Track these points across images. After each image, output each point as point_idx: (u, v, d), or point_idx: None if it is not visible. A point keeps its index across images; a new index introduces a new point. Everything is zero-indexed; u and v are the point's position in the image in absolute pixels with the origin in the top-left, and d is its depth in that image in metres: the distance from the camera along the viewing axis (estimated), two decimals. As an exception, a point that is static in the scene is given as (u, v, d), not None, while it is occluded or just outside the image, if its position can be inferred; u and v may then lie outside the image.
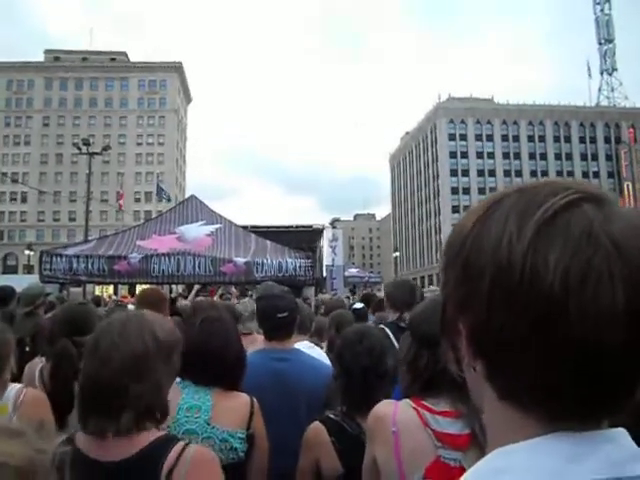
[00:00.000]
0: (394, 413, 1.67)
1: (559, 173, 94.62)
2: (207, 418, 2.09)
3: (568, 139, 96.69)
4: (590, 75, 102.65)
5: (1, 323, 2.51)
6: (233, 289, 9.10)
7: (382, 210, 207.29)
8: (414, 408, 1.67)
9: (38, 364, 3.10)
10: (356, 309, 6.74)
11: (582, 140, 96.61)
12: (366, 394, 2.10)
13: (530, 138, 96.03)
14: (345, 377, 2.15)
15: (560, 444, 0.51)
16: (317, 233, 18.09)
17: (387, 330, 3.59)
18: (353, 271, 33.48)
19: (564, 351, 0.49)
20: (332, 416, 2.14)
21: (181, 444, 1.50)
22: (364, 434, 1.91)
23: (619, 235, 0.49)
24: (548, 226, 0.50)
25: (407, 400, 1.71)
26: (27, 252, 43.87)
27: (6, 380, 2.15)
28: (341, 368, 2.18)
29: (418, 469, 1.59)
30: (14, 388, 2.27)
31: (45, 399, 2.43)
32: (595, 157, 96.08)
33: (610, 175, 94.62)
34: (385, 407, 1.73)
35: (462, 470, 1.48)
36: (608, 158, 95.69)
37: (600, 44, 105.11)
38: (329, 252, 17.86)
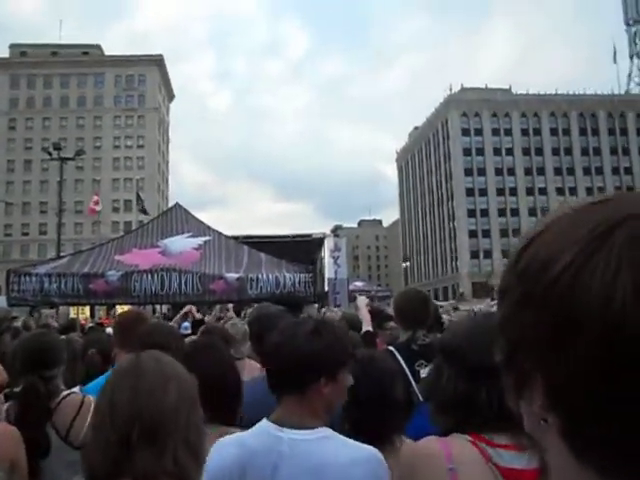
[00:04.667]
0: (447, 448, 1.60)
1: (586, 170, 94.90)
2: None
3: (596, 131, 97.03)
4: (615, 61, 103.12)
5: None
6: (230, 310, 9.07)
7: (389, 215, 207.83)
8: (471, 442, 1.60)
9: (2, 402, 3.06)
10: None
11: (611, 132, 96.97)
12: (375, 427, 2.08)
13: (553, 131, 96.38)
14: (351, 409, 2.12)
15: None
16: (317, 243, 18.06)
17: (397, 354, 3.56)
18: (358, 284, 33.45)
19: None
20: None
21: None
22: None
23: None
24: None
25: (458, 434, 1.64)
26: (-7, 270, 43.84)
27: None
28: (348, 398, 2.15)
29: None
30: None
31: (18, 436, 2.42)
32: (627, 151, 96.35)
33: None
34: (433, 443, 1.65)
35: None
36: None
37: (628, 25, 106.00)
38: (331, 263, 17.79)
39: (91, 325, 11.20)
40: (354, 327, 4.84)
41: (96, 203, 36.26)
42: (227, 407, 2.25)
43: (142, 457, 1.35)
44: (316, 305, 12.35)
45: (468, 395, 1.64)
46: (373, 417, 2.09)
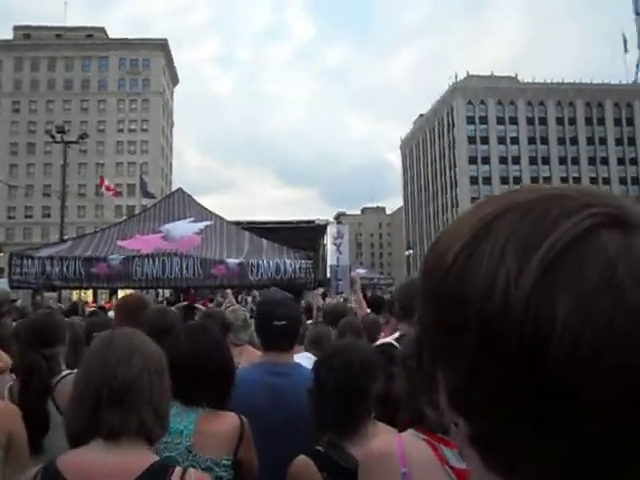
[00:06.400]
0: (401, 448, 1.50)
1: (592, 160, 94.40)
2: (188, 445, 2.10)
3: (602, 121, 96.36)
4: (627, 50, 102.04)
5: None
6: (229, 294, 9.08)
7: (393, 203, 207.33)
8: (426, 440, 1.51)
9: (7, 381, 3.11)
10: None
11: (618, 122, 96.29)
12: (340, 414, 2.03)
13: (559, 120, 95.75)
14: (317, 393, 2.10)
15: None
16: (320, 229, 18.07)
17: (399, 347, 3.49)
18: (361, 272, 33.46)
19: (575, 436, 0.41)
20: (320, 448, 2.06)
21: (179, 470, 1.59)
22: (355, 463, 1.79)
23: None
24: (556, 269, 0.41)
25: (413, 431, 1.56)
26: (-4, 253, 43.94)
27: None
28: (315, 384, 2.13)
29: None
30: None
31: (16, 411, 2.47)
32: (632, 141, 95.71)
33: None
34: (387, 441, 1.58)
35: None
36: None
37: (638, 14, 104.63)
38: (333, 250, 17.82)
39: (92, 309, 11.24)
40: (337, 318, 4.68)
41: (102, 185, 37.07)
42: (216, 390, 2.26)
43: (110, 415, 1.56)
44: (321, 290, 12.37)
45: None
46: (336, 404, 2.01)
